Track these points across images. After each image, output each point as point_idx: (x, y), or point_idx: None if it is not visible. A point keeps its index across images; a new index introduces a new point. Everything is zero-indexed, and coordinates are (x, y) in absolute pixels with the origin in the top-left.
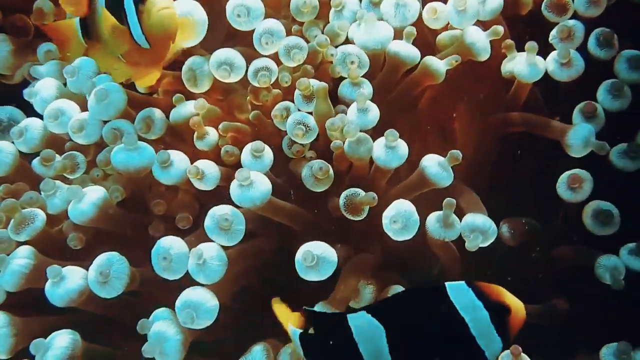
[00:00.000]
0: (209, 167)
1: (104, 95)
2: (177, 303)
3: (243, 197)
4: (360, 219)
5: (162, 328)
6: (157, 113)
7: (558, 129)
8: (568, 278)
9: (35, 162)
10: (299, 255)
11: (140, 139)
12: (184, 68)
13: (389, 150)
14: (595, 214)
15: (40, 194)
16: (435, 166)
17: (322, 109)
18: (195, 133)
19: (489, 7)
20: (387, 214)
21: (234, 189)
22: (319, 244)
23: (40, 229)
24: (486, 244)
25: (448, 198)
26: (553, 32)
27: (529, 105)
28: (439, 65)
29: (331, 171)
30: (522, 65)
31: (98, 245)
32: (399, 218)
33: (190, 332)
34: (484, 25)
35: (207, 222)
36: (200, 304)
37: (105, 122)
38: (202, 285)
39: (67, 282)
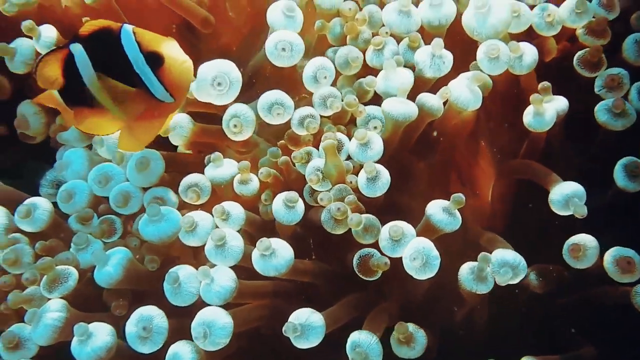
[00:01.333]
0: (235, 208)
1: (145, 164)
2: (192, 324)
3: (266, 266)
4: (374, 279)
5: (178, 348)
6: (203, 180)
7: (551, 180)
8: (595, 324)
9: (72, 219)
10: (285, 327)
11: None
12: (226, 116)
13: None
14: (615, 261)
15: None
16: (440, 212)
17: (333, 163)
18: (240, 177)
19: (525, 63)
20: (406, 254)
21: (256, 259)
22: (302, 312)
23: (73, 288)
24: (516, 281)
25: (483, 253)
26: (599, 82)
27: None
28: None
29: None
30: (530, 116)
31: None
32: (418, 255)
33: (206, 356)
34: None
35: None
36: (214, 321)
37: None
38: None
39: (94, 340)
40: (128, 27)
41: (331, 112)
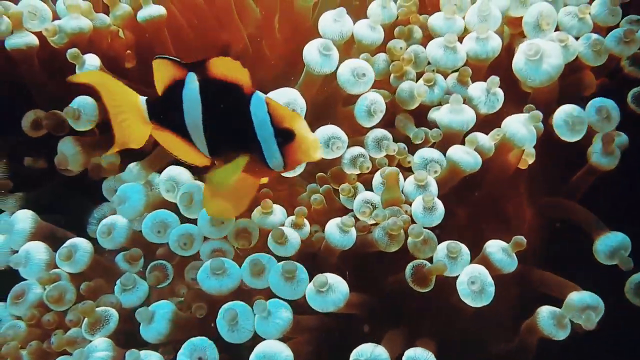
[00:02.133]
0: (292, 233)
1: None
2: (252, 356)
3: (325, 303)
4: (427, 290)
5: None
6: (252, 224)
7: (596, 229)
8: None
9: (120, 258)
10: None
11: None
12: None
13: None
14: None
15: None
16: (500, 252)
17: (392, 194)
18: (296, 220)
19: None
20: (464, 278)
21: (313, 295)
22: (366, 347)
23: (113, 330)
24: (597, 319)
25: (569, 300)
26: None
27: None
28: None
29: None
30: (598, 154)
31: None
32: (477, 279)
33: None
34: None
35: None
36: (276, 355)
37: None
38: None
39: None
40: (261, 95)
41: (384, 154)
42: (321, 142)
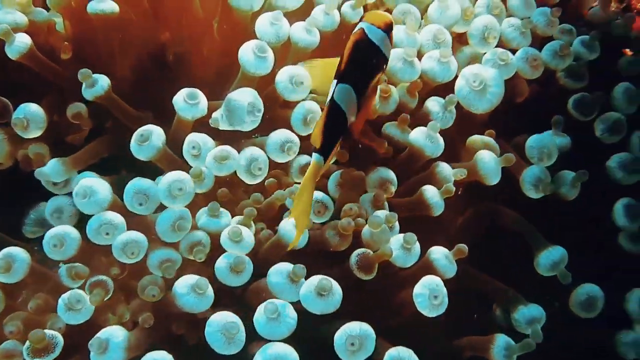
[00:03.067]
0: (246, 232)
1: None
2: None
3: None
4: (371, 277)
5: None
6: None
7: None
8: None
9: (63, 272)
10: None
11: None
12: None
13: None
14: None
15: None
16: (444, 258)
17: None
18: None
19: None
20: (421, 292)
21: (262, 324)
22: (352, 325)
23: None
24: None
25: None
26: (602, 127)
27: None
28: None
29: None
30: None
31: None
32: (439, 294)
33: None
34: None
35: None
36: (287, 355)
37: None
38: None
39: None
40: None
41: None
42: (276, 146)
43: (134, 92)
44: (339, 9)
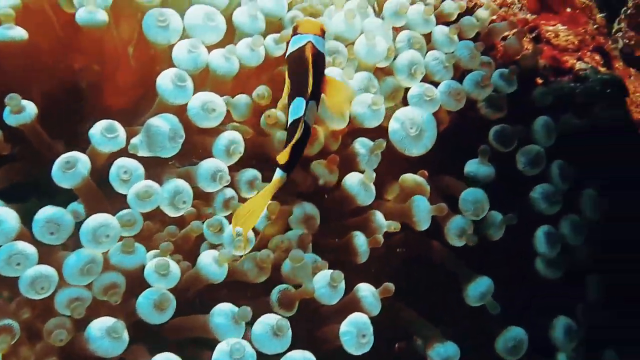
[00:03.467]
0: (173, 264)
1: None
2: None
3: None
4: (291, 314)
5: None
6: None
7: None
8: None
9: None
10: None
11: None
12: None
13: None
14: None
15: None
16: (371, 296)
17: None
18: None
19: None
20: (349, 330)
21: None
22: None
23: None
24: None
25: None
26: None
27: None
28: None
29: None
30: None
31: None
32: (367, 333)
33: None
34: None
35: None
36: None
37: None
38: None
39: None
40: None
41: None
42: (207, 176)
43: (44, 120)
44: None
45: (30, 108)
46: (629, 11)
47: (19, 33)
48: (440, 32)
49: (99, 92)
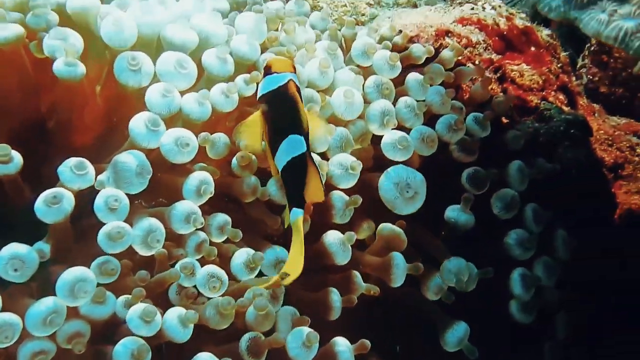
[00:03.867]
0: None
1: None
2: None
3: None
4: None
5: None
6: None
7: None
8: None
9: None
10: None
11: None
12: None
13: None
14: None
15: None
16: (348, 351)
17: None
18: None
19: None
20: None
21: None
22: None
23: None
24: None
25: None
26: (499, 204)
27: None
28: None
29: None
30: None
31: None
32: None
33: None
34: None
35: None
36: None
37: None
38: None
39: None
40: None
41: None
42: (181, 217)
43: None
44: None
45: (18, 159)
46: (592, 47)
47: None
48: (414, 79)
49: (66, 131)
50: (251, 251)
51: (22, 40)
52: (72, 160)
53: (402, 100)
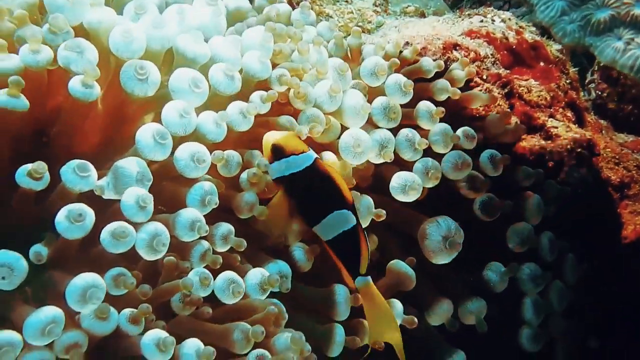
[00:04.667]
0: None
1: None
2: None
3: None
4: None
5: None
6: None
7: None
8: None
9: None
10: None
11: None
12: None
13: None
14: None
15: None
16: None
17: None
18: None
19: None
20: None
21: None
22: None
23: None
24: None
25: None
26: (515, 239)
27: None
28: None
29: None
30: None
31: None
32: None
33: None
34: None
35: None
36: None
37: None
38: None
39: None
40: None
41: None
42: (185, 225)
43: (10, 166)
44: None
45: (47, 178)
46: (602, 63)
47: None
48: (425, 108)
49: (68, 137)
50: (266, 272)
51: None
52: (75, 162)
53: (403, 132)
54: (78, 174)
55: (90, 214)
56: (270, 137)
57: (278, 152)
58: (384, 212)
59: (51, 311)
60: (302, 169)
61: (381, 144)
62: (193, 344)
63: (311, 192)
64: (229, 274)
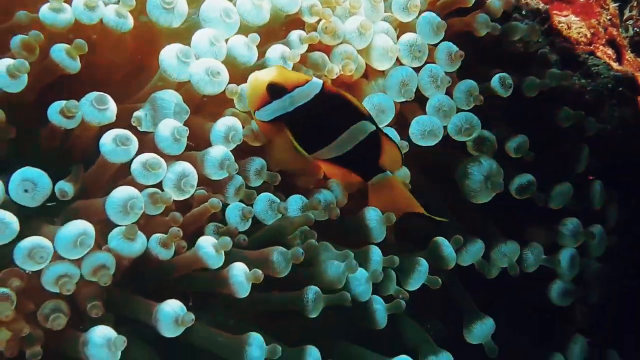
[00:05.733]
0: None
1: None
2: None
3: None
4: None
5: None
6: None
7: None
8: None
9: None
10: None
11: None
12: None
13: None
14: None
15: None
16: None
17: None
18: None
19: None
20: None
21: None
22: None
23: None
24: None
25: None
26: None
27: None
28: None
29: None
30: None
31: None
32: None
33: None
34: None
35: None
36: None
37: None
38: None
39: None
40: None
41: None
42: (215, 163)
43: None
44: None
45: (78, 117)
46: None
47: None
48: (445, 51)
49: (94, 67)
50: (304, 198)
51: None
52: (93, 94)
53: (426, 68)
54: (96, 106)
55: (135, 142)
56: (261, 78)
57: (277, 90)
58: None
59: (81, 224)
60: (311, 99)
61: (402, 80)
62: (241, 267)
63: (323, 117)
64: (267, 195)
